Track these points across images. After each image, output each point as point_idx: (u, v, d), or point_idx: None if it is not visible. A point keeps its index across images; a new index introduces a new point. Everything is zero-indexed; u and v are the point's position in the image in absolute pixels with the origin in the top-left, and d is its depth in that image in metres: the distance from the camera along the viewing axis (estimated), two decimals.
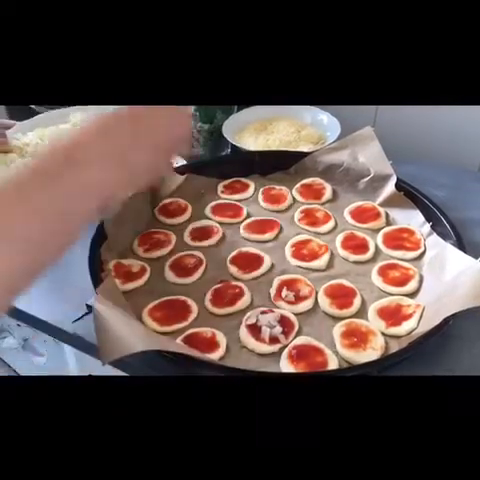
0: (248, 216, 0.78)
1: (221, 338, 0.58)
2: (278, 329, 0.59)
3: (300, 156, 0.85)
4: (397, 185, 0.76)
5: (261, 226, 0.76)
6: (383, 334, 0.58)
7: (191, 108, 0.57)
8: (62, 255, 0.46)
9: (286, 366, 0.55)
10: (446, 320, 0.55)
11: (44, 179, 0.43)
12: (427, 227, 0.71)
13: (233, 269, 0.68)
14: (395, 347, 0.56)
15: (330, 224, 0.76)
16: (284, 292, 0.64)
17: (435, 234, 0.70)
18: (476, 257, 0.61)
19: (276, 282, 0.66)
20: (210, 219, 0.78)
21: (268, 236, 0.74)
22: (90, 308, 0.65)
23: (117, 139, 0.49)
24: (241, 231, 0.75)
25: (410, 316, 0.59)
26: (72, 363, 0.76)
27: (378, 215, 0.75)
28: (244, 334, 0.59)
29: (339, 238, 0.73)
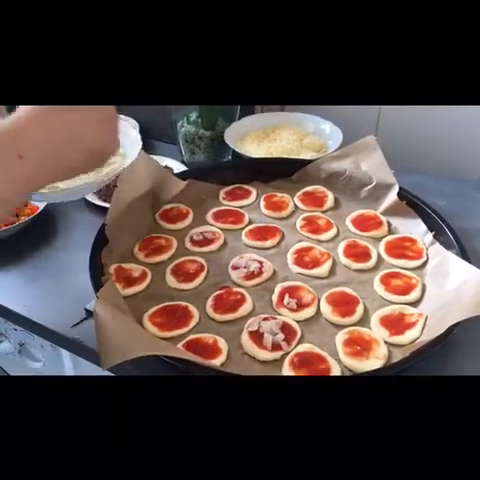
0: (250, 223, 0.78)
1: (223, 344, 0.58)
2: (280, 336, 0.58)
3: (302, 164, 0.85)
4: (399, 194, 0.76)
5: (263, 233, 0.75)
6: (386, 343, 0.58)
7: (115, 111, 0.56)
8: None
9: (288, 373, 0.55)
10: (450, 329, 0.54)
11: None
12: (429, 236, 0.71)
13: (235, 275, 0.68)
14: (398, 356, 0.56)
15: (332, 232, 0.75)
16: (286, 299, 0.63)
17: (437, 243, 0.69)
18: (479, 266, 0.61)
19: (278, 289, 0.65)
20: (211, 225, 0.78)
21: (270, 243, 0.74)
22: (89, 313, 0.64)
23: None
24: (243, 237, 0.75)
25: (413, 325, 0.59)
26: (69, 369, 0.75)
27: (380, 224, 0.75)
28: (246, 341, 0.58)
29: (341, 246, 0.72)
